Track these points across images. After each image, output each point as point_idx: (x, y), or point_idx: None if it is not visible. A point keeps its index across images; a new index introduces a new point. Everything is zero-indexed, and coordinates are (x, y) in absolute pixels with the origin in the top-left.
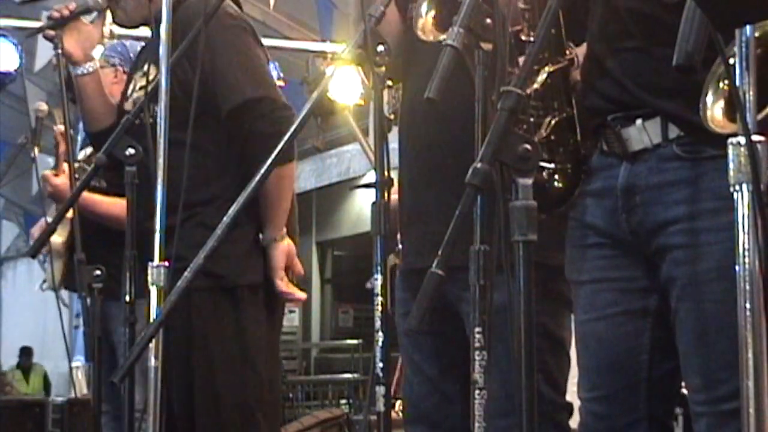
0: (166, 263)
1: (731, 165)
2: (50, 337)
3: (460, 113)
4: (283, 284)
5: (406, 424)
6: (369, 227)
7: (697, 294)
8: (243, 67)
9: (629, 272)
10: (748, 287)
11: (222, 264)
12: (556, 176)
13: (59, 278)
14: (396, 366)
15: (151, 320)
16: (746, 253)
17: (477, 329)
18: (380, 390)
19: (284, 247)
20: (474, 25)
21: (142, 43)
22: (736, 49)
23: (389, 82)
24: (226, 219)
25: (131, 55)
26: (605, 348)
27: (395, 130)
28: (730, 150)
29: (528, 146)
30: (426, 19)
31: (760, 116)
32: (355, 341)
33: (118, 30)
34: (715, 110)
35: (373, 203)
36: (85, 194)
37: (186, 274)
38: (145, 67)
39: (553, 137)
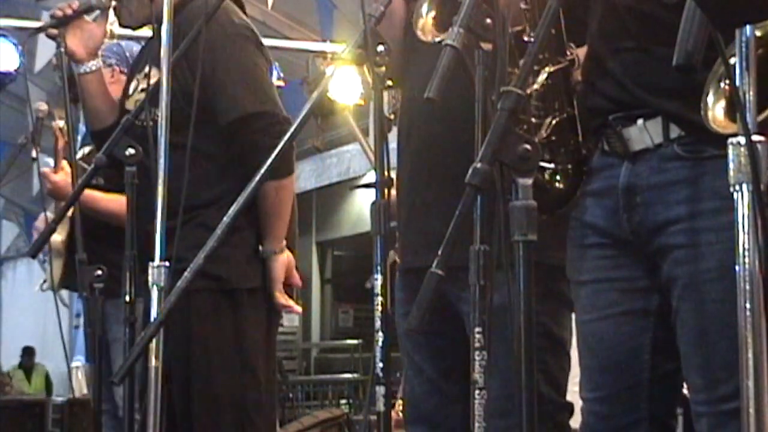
0: (167, 263)
1: (731, 165)
2: (51, 337)
3: (459, 113)
4: (282, 297)
5: (407, 424)
6: (369, 227)
7: (698, 294)
8: (244, 80)
9: (630, 272)
10: (748, 287)
11: (222, 266)
12: (558, 177)
13: (58, 278)
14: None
15: (151, 320)
16: (746, 253)
17: (477, 329)
18: (380, 390)
19: (283, 259)
20: (474, 25)
21: (139, 44)
22: (736, 49)
23: (389, 82)
24: (225, 220)
25: (128, 55)
26: (607, 348)
27: (395, 130)
28: (730, 150)
29: (528, 146)
30: (426, 19)
31: (760, 117)
32: (355, 341)
33: (118, 30)
34: (716, 110)
35: (373, 203)
36: (84, 191)
37: (186, 274)
38: (146, 68)
39: (554, 137)
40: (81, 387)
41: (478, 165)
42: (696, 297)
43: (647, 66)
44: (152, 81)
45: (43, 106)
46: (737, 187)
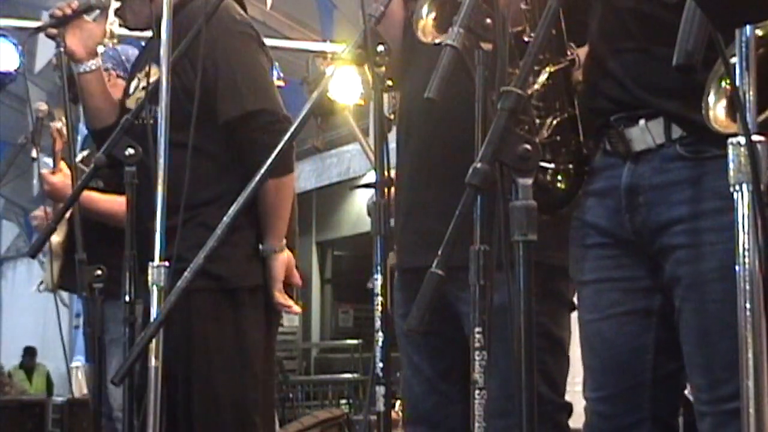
0: (167, 263)
1: (731, 165)
2: (51, 338)
3: (457, 113)
4: (281, 296)
5: (406, 424)
6: (369, 227)
7: (700, 294)
8: (245, 78)
9: (632, 272)
10: (748, 287)
11: (223, 266)
12: (559, 177)
13: (56, 279)
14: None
15: (151, 320)
16: (746, 253)
17: (477, 329)
18: (380, 390)
19: (284, 258)
20: (474, 25)
21: (134, 48)
22: (736, 49)
23: (389, 82)
24: (225, 219)
25: (123, 59)
26: (609, 348)
27: (395, 130)
28: (730, 150)
29: (528, 146)
30: (426, 21)
31: (760, 118)
32: (355, 341)
33: (118, 30)
34: (717, 110)
35: (373, 203)
36: (83, 192)
37: (186, 274)
38: (147, 67)
39: (555, 138)
40: (81, 387)
41: (478, 165)
42: (698, 297)
43: (648, 66)
44: (152, 79)
45: (43, 106)
46: (737, 187)
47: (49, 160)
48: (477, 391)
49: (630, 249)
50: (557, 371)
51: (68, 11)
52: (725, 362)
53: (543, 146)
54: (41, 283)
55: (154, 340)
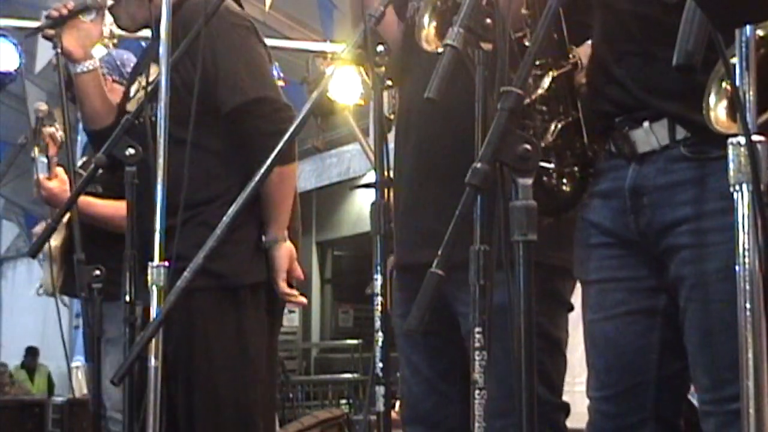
0: (166, 263)
1: (731, 165)
2: (51, 338)
3: (455, 112)
4: (286, 286)
5: (405, 425)
6: (369, 227)
7: (704, 294)
8: (245, 68)
9: (637, 272)
10: (748, 287)
11: (225, 264)
12: (564, 180)
13: (58, 284)
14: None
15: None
16: (746, 253)
17: (477, 329)
18: (380, 390)
19: (287, 248)
20: (474, 25)
21: (129, 53)
22: (736, 49)
23: (389, 82)
24: (225, 219)
25: (118, 63)
26: (613, 347)
27: (394, 129)
28: (730, 150)
29: (528, 146)
30: (428, 29)
31: (760, 120)
32: (355, 341)
33: (118, 30)
34: (718, 111)
35: (373, 203)
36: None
37: (185, 274)
38: (147, 68)
39: (559, 141)
40: (81, 387)
41: (478, 165)
42: (703, 297)
43: (651, 69)
44: (152, 78)
45: (43, 106)
46: (737, 187)
47: (45, 159)
48: (477, 391)
49: (635, 249)
50: (555, 372)
51: (64, 12)
52: (729, 362)
53: (548, 150)
54: (40, 287)
55: (153, 340)
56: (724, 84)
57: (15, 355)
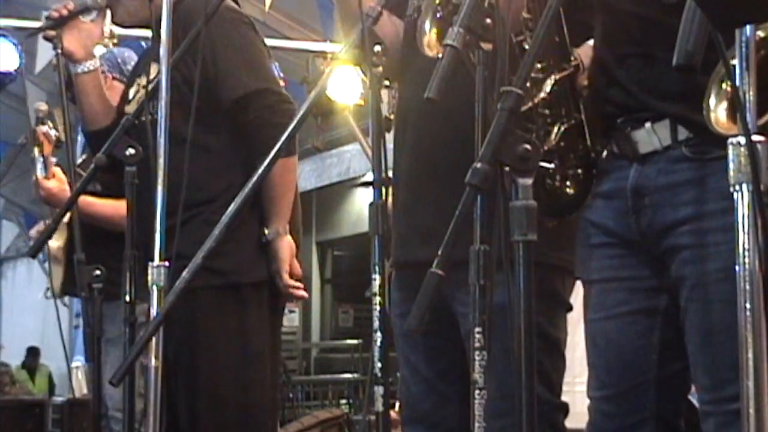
0: (166, 263)
1: (731, 165)
2: (51, 338)
3: (455, 111)
4: (289, 278)
5: (404, 425)
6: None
7: (705, 294)
8: (246, 60)
9: (638, 272)
10: (748, 287)
11: (228, 262)
12: (568, 182)
13: (59, 284)
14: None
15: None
16: (746, 253)
17: (477, 329)
18: (379, 390)
19: (288, 241)
20: (474, 25)
21: (131, 51)
22: (736, 49)
23: (386, 82)
24: (224, 219)
25: (119, 61)
26: (614, 347)
27: (393, 129)
28: (730, 150)
29: (528, 146)
30: (430, 35)
31: (760, 121)
32: (355, 341)
33: (118, 30)
34: (719, 112)
35: (371, 203)
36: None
37: (184, 274)
38: (148, 68)
39: (563, 144)
40: (81, 387)
41: (478, 165)
42: (703, 297)
43: (652, 71)
44: (153, 77)
45: (43, 106)
46: (737, 187)
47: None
48: (477, 391)
49: (636, 249)
50: (554, 371)
51: (64, 13)
52: (730, 362)
53: (551, 153)
54: (48, 290)
55: (154, 340)
56: (724, 86)
57: (15, 355)
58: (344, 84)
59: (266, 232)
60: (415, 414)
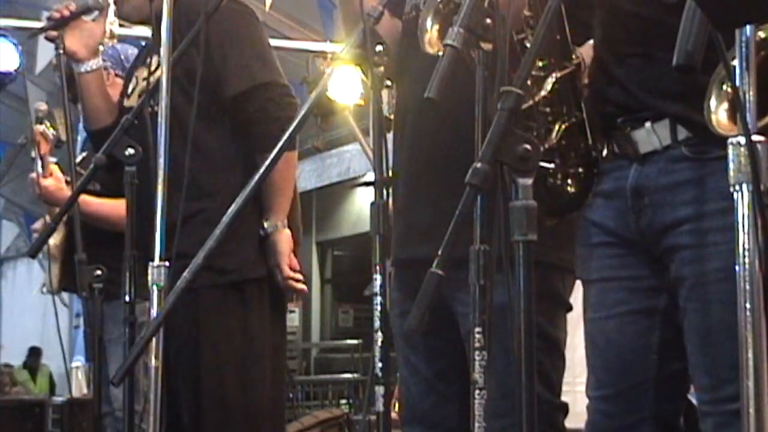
0: (167, 263)
1: (731, 165)
2: (51, 338)
3: (453, 110)
4: (290, 271)
5: (403, 425)
6: (369, 227)
7: (704, 294)
8: (252, 52)
9: (638, 271)
10: (748, 287)
11: (230, 259)
12: (569, 181)
13: (56, 281)
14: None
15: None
16: (746, 253)
17: (477, 329)
18: (380, 390)
19: (287, 234)
20: (474, 25)
21: (134, 47)
22: (736, 50)
23: (388, 82)
24: (226, 218)
25: (122, 57)
26: (613, 347)
27: (393, 128)
28: (730, 150)
29: (528, 146)
30: (431, 33)
31: (761, 123)
32: (355, 341)
33: (118, 30)
34: (719, 113)
35: (372, 203)
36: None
37: (185, 275)
38: (147, 61)
39: (564, 143)
40: (81, 387)
41: (478, 165)
42: (703, 297)
43: (652, 71)
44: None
45: (43, 106)
46: (737, 187)
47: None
48: (477, 391)
49: (636, 249)
50: (553, 371)
51: (66, 13)
52: (729, 362)
53: (552, 151)
54: (44, 285)
55: (154, 340)
56: (724, 87)
57: (15, 355)
58: (344, 84)
59: (265, 225)
60: (414, 414)
